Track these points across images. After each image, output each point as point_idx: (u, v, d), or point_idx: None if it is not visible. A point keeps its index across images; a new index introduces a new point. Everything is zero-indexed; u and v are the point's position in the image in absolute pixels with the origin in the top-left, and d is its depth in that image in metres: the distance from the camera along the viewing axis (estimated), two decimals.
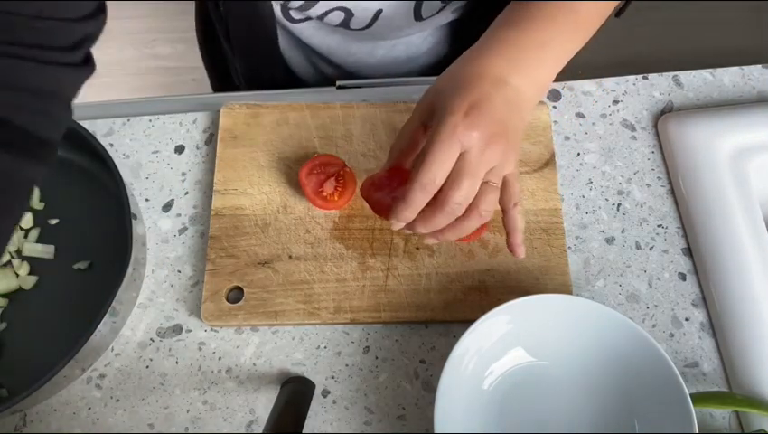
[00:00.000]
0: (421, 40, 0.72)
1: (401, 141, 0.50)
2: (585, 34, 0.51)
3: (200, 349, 0.56)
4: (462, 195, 0.44)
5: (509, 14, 0.50)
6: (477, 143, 0.44)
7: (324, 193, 0.58)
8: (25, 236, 0.59)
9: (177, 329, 0.57)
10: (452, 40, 0.74)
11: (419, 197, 0.45)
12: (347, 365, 0.55)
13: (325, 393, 0.54)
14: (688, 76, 0.67)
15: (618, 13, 0.65)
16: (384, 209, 0.51)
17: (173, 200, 0.62)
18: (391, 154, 0.51)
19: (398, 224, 0.48)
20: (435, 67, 0.77)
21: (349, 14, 0.62)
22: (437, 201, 0.45)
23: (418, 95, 0.50)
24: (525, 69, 0.47)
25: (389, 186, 0.51)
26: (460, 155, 0.44)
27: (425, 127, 0.49)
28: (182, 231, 0.61)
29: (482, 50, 0.48)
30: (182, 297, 0.58)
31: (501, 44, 0.48)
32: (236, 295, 0.56)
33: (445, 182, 0.45)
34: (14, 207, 0.40)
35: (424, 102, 0.49)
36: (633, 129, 0.65)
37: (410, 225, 0.48)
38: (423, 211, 0.46)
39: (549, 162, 0.61)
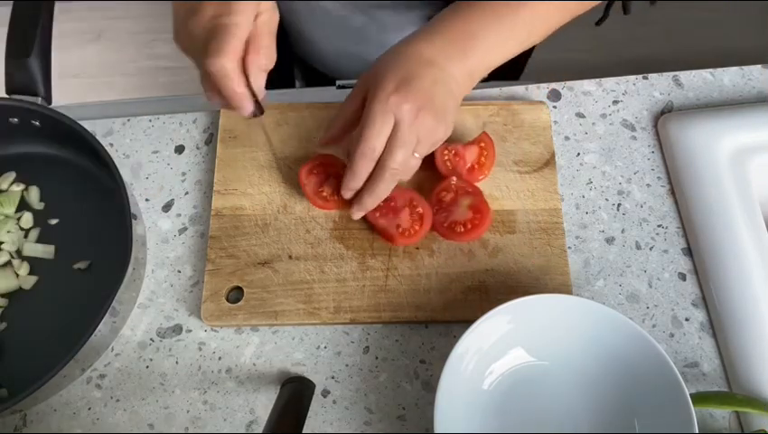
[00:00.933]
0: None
1: (342, 117, 0.55)
2: (526, 35, 0.53)
3: (200, 349, 0.56)
4: (398, 161, 0.50)
5: (450, 7, 0.54)
6: (407, 114, 0.49)
7: (324, 193, 0.58)
8: (25, 236, 0.59)
9: (177, 329, 0.57)
10: None
11: (363, 165, 0.51)
12: (347, 365, 0.55)
13: (325, 393, 0.54)
14: (688, 76, 0.67)
15: (599, 21, 0.66)
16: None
17: (173, 200, 0.62)
18: (332, 128, 0.55)
19: (357, 214, 0.55)
20: None
21: None
22: (377, 168, 0.51)
23: None
24: (451, 55, 0.51)
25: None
26: (395, 124, 0.50)
27: (362, 103, 0.53)
28: (182, 230, 0.61)
29: (415, 36, 0.53)
30: (182, 297, 0.58)
31: (432, 33, 0.52)
32: (236, 295, 0.56)
33: (386, 149, 0.50)
34: None
35: (362, 81, 0.53)
36: (633, 129, 0.65)
37: (358, 198, 0.54)
38: (367, 180, 0.53)
39: (549, 162, 0.61)
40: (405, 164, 0.51)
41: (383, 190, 0.53)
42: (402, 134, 0.50)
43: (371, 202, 0.54)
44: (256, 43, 0.48)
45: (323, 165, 0.59)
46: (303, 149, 0.62)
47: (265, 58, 0.49)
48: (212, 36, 0.46)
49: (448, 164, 0.59)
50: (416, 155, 0.52)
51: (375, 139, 0.50)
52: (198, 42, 0.47)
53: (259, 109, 0.51)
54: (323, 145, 0.56)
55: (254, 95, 0.49)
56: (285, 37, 0.81)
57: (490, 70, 0.54)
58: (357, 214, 0.55)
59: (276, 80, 0.90)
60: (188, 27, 0.47)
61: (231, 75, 0.47)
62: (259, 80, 0.49)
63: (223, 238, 0.58)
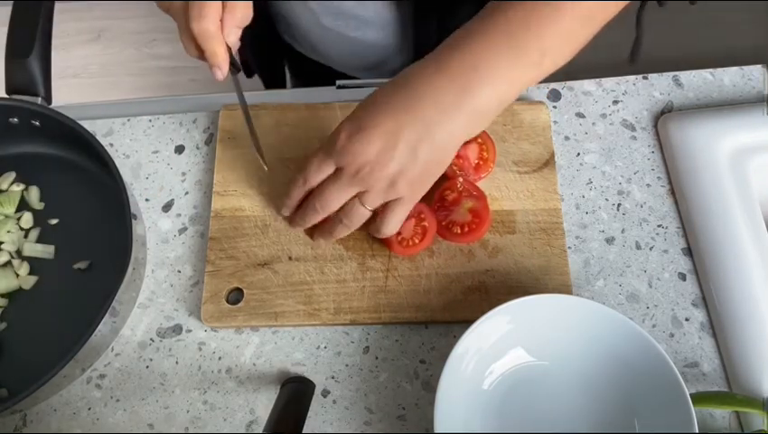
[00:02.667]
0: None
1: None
2: (539, 57, 0.45)
3: (200, 349, 0.56)
4: (320, 201, 0.51)
5: (456, 32, 0.48)
6: (348, 166, 0.48)
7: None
8: (25, 236, 0.59)
9: (177, 329, 0.57)
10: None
11: (292, 192, 0.53)
12: (347, 365, 0.55)
13: (325, 393, 0.54)
14: (688, 76, 0.67)
15: (631, 57, 0.64)
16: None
17: (173, 200, 0.62)
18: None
19: (294, 225, 0.57)
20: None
21: None
22: (308, 199, 0.53)
23: None
24: (447, 101, 0.46)
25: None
26: (336, 169, 0.49)
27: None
28: (182, 231, 0.61)
29: (410, 73, 0.48)
30: (182, 297, 0.58)
31: (427, 67, 0.47)
32: (236, 296, 0.56)
33: (317, 187, 0.51)
34: None
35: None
36: (633, 129, 0.65)
37: (290, 218, 0.57)
38: (298, 207, 0.55)
39: (549, 162, 0.61)
40: (330, 204, 0.51)
41: (310, 220, 0.54)
42: (337, 179, 0.49)
43: (300, 225, 0.56)
44: (230, 3, 0.49)
45: None
46: (303, 150, 0.62)
47: (240, 14, 0.50)
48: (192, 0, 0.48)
49: (454, 167, 0.59)
50: (367, 206, 0.51)
51: (309, 174, 0.51)
52: (176, 4, 0.49)
53: (236, 67, 0.53)
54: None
55: (230, 53, 0.51)
56: (273, 27, 0.81)
57: (506, 103, 0.47)
58: (292, 225, 0.58)
59: (268, 78, 0.89)
60: None
61: (214, 36, 0.49)
62: (233, 37, 0.50)
63: (223, 239, 0.58)
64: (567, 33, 0.46)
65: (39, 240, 0.59)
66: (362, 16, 0.70)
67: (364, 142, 0.47)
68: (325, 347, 0.56)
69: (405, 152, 0.47)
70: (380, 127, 0.47)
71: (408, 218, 0.55)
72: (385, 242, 0.57)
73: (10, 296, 0.57)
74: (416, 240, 0.56)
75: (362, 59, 0.77)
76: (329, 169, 0.50)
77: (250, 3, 0.51)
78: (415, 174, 0.48)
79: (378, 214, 0.53)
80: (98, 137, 0.58)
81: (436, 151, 0.48)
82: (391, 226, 0.53)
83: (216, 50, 0.49)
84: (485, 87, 0.45)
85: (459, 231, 0.56)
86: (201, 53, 0.50)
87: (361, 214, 0.52)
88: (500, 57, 0.45)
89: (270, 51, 0.85)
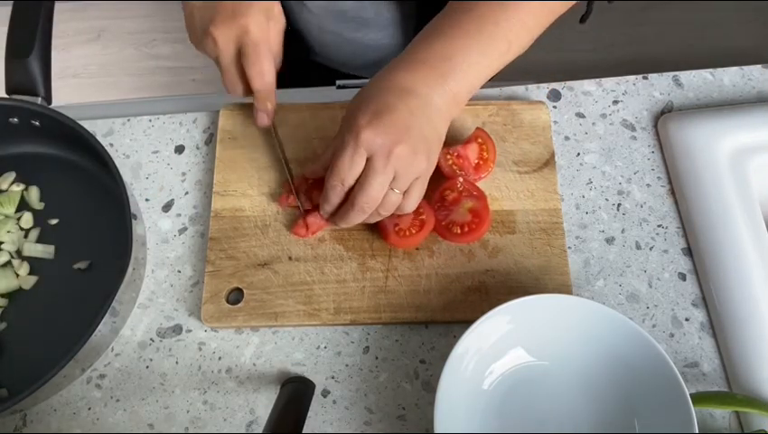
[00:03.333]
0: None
1: (327, 153, 0.55)
2: (506, 48, 0.51)
3: (200, 349, 0.56)
4: (369, 197, 0.50)
5: (428, 27, 0.53)
6: (381, 149, 0.48)
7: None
8: (25, 236, 0.59)
9: (177, 329, 0.57)
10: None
11: (332, 196, 0.52)
12: (347, 365, 0.55)
13: (325, 393, 0.54)
14: (688, 76, 0.67)
15: (582, 19, 0.66)
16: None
17: (173, 200, 0.62)
18: (317, 161, 0.57)
19: (335, 225, 0.56)
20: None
21: None
22: (350, 200, 0.52)
23: None
24: (430, 81, 0.50)
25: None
26: (367, 160, 0.49)
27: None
28: (182, 231, 0.61)
29: (393, 65, 0.51)
30: (182, 297, 0.58)
31: (410, 60, 0.51)
32: (236, 296, 0.56)
33: (356, 183, 0.50)
34: None
35: (345, 114, 0.53)
36: (633, 129, 0.65)
37: (331, 219, 0.55)
38: (339, 207, 0.53)
39: (549, 162, 0.61)
40: (376, 199, 0.50)
41: (355, 220, 0.53)
42: (374, 170, 0.49)
43: (344, 225, 0.55)
44: (273, 49, 0.55)
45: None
46: (303, 150, 0.62)
47: (278, 61, 0.56)
48: (248, 55, 0.53)
49: (454, 167, 0.59)
50: (396, 190, 0.51)
51: (344, 173, 0.50)
52: (226, 53, 0.54)
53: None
54: (309, 175, 0.58)
55: None
56: None
57: (474, 91, 0.52)
58: (334, 225, 0.57)
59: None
60: (212, 38, 0.53)
61: (272, 89, 0.56)
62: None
63: (223, 239, 0.58)
64: (530, 27, 0.52)
65: (39, 240, 0.59)
66: (363, 18, 0.71)
67: (389, 122, 0.48)
68: (325, 347, 0.56)
69: (417, 128, 0.49)
70: (394, 107, 0.48)
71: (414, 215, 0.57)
72: (382, 233, 0.57)
73: (10, 296, 0.57)
74: (414, 231, 0.56)
75: (362, 59, 0.77)
76: (362, 162, 0.49)
77: (281, 44, 0.56)
78: (430, 148, 0.51)
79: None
80: (98, 137, 0.58)
81: (436, 126, 0.51)
82: (413, 202, 0.53)
83: (269, 101, 0.57)
84: (458, 74, 0.50)
85: (459, 231, 0.56)
86: (246, 94, 0.57)
87: (394, 201, 0.52)
88: (471, 48, 0.50)
89: None
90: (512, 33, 0.51)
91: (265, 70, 0.54)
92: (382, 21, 0.71)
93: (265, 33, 0.53)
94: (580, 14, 0.65)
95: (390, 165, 0.49)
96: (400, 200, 0.52)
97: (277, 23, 0.55)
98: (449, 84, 0.50)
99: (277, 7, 0.55)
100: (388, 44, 0.74)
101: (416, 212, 0.57)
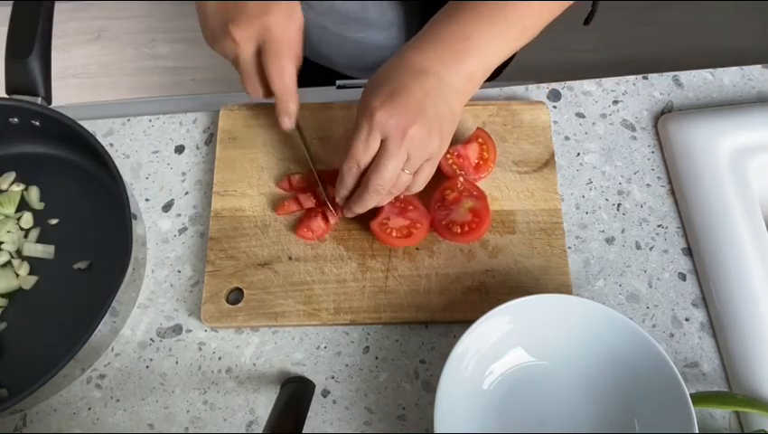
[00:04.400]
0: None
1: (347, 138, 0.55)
2: (520, 32, 0.52)
3: (200, 349, 0.56)
4: (384, 179, 0.50)
5: (441, 11, 0.53)
6: (395, 130, 0.48)
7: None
8: (25, 236, 0.59)
9: (177, 329, 0.57)
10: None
11: (347, 179, 0.52)
12: (347, 365, 0.55)
13: (325, 393, 0.54)
14: (688, 76, 0.67)
15: (586, 20, 0.66)
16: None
17: (173, 200, 0.62)
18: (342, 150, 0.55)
19: (348, 214, 0.56)
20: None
21: None
22: (365, 183, 0.52)
23: None
24: (446, 60, 0.50)
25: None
26: (382, 141, 0.49)
27: None
28: (182, 231, 0.61)
29: (408, 45, 0.52)
30: (182, 297, 0.58)
31: (424, 40, 0.51)
32: (236, 296, 0.56)
33: (372, 165, 0.50)
34: None
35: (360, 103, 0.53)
36: (633, 129, 0.65)
37: (347, 205, 0.55)
38: (355, 191, 0.53)
39: (549, 162, 0.61)
40: (391, 181, 0.50)
41: (370, 202, 0.53)
42: (389, 151, 0.49)
43: (360, 209, 0.55)
44: (295, 50, 0.53)
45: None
46: (302, 150, 0.62)
47: (298, 63, 0.54)
48: (269, 55, 0.52)
49: (454, 167, 0.59)
50: (407, 171, 0.51)
51: (359, 155, 0.50)
52: (245, 53, 0.52)
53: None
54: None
55: None
56: None
57: (490, 71, 0.52)
58: (348, 214, 0.56)
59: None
60: (230, 37, 0.51)
61: (293, 91, 0.54)
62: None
63: (223, 239, 0.58)
64: (543, 13, 0.53)
65: (39, 240, 0.59)
66: (366, 18, 0.70)
67: (402, 103, 0.48)
68: (325, 347, 0.56)
69: (432, 108, 0.49)
70: (408, 88, 0.48)
71: (401, 213, 0.57)
72: (374, 232, 0.57)
73: (10, 296, 0.57)
74: (405, 233, 0.57)
75: (363, 60, 0.77)
76: (376, 144, 0.49)
77: (302, 45, 0.54)
78: (444, 129, 0.51)
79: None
80: (98, 137, 0.58)
81: (451, 106, 0.51)
82: (422, 182, 0.54)
83: (291, 102, 0.55)
84: (475, 54, 0.50)
85: (459, 231, 0.56)
86: (267, 96, 0.56)
87: (405, 181, 0.52)
88: (488, 29, 0.50)
89: None
90: (528, 18, 0.51)
91: (285, 69, 0.52)
92: (385, 22, 0.71)
93: (286, 32, 0.52)
94: (581, 15, 0.65)
95: (404, 146, 0.49)
96: (410, 180, 0.52)
97: (297, 22, 0.54)
98: (465, 63, 0.50)
99: (298, 6, 0.54)
100: (391, 45, 0.74)
101: (406, 212, 0.57)
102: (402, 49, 0.52)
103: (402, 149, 0.49)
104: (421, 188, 0.54)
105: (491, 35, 0.51)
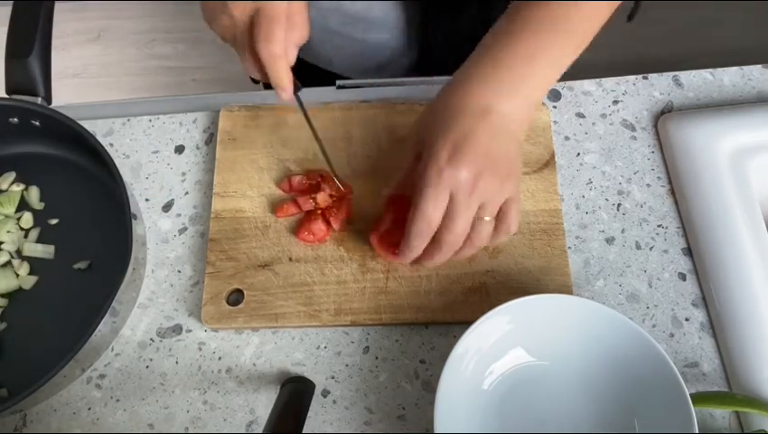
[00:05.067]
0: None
1: (401, 175, 0.53)
2: (580, 41, 0.50)
3: (200, 349, 0.56)
4: (456, 234, 0.48)
5: (494, 30, 0.50)
6: (464, 184, 0.46)
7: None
8: (25, 236, 0.59)
9: (177, 329, 0.57)
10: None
11: (417, 242, 0.49)
12: (347, 365, 0.55)
13: (325, 393, 0.54)
14: (688, 76, 0.67)
15: (629, 16, 0.65)
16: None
17: (173, 200, 0.62)
18: (392, 187, 0.55)
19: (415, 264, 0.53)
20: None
21: None
22: (435, 240, 0.49)
23: (417, 95, 0.51)
24: (512, 88, 0.47)
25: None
26: (451, 195, 0.46)
27: (418, 158, 0.50)
28: (182, 231, 0.61)
29: (465, 77, 0.49)
30: (182, 297, 0.58)
31: (481, 67, 0.48)
32: (236, 297, 0.56)
33: (442, 222, 0.47)
34: None
35: (413, 136, 0.51)
36: (633, 129, 0.65)
37: (416, 262, 0.52)
38: (426, 248, 0.50)
39: (549, 162, 0.61)
40: (464, 234, 0.48)
41: (444, 259, 0.51)
42: (459, 206, 0.46)
43: (432, 265, 0.53)
44: (292, 21, 0.49)
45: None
46: (303, 151, 0.62)
47: (299, 33, 0.50)
48: (259, 22, 0.48)
49: None
50: (487, 218, 0.48)
51: (430, 215, 0.47)
52: (240, 27, 0.49)
53: (296, 86, 0.53)
54: (387, 194, 0.55)
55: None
56: None
57: (548, 90, 0.50)
58: (411, 264, 0.55)
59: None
60: (228, 12, 0.49)
61: (281, 58, 0.49)
62: (292, 56, 0.51)
63: (223, 240, 0.58)
64: (601, 19, 0.50)
65: (39, 240, 0.59)
66: (370, 18, 0.70)
67: (469, 155, 0.46)
68: (325, 347, 0.56)
69: (498, 150, 0.47)
70: (473, 134, 0.46)
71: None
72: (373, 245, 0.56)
73: (10, 296, 0.57)
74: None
75: (366, 61, 0.77)
76: (446, 199, 0.47)
77: (307, 21, 0.51)
78: (514, 167, 0.49)
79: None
80: (98, 137, 0.58)
81: (516, 142, 0.49)
82: (513, 224, 0.50)
83: (282, 72, 0.50)
84: (539, 74, 0.48)
85: None
86: (264, 75, 0.51)
87: (487, 228, 0.50)
88: (551, 45, 0.48)
89: None
90: (582, 27, 0.49)
91: (273, 36, 0.48)
92: (389, 22, 0.71)
93: (283, 5, 0.49)
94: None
95: (475, 198, 0.46)
96: (493, 225, 0.50)
97: (297, 5, 0.50)
98: (530, 87, 0.48)
99: None
100: (395, 46, 0.74)
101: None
102: (457, 80, 0.49)
103: (473, 202, 0.47)
104: (514, 230, 0.51)
105: (554, 50, 0.48)
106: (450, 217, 0.47)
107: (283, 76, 0.51)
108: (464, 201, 0.46)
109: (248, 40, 0.50)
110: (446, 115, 0.48)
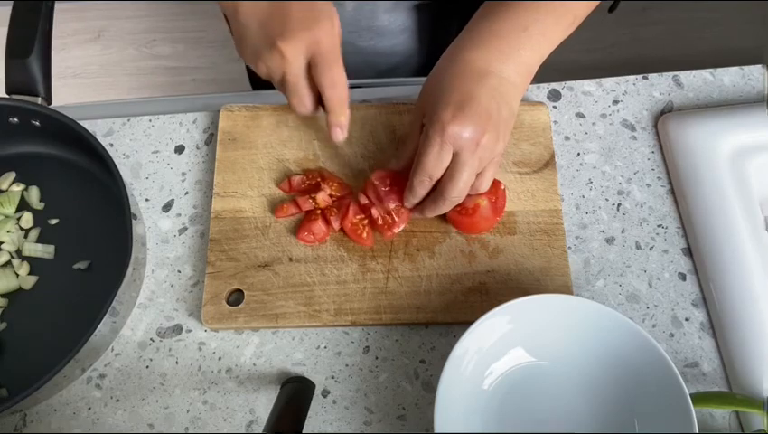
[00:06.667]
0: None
1: (409, 144, 0.55)
2: (572, 18, 0.52)
3: (200, 349, 0.56)
4: (459, 190, 0.51)
5: (487, 5, 0.52)
6: (467, 143, 0.48)
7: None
8: (25, 236, 0.59)
9: (177, 329, 0.57)
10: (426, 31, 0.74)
11: (419, 191, 0.53)
12: (347, 365, 0.55)
13: (325, 393, 0.54)
14: (688, 76, 0.67)
15: (610, 9, 0.65)
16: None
17: (173, 200, 0.62)
18: (400, 155, 0.56)
19: (420, 215, 0.56)
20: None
21: None
22: (438, 192, 0.52)
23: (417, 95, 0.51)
24: (508, 55, 0.50)
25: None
26: (455, 153, 0.49)
27: (422, 127, 0.52)
28: (182, 230, 0.61)
29: (463, 43, 0.51)
30: (182, 297, 0.58)
31: (481, 35, 0.51)
32: (236, 297, 0.56)
33: (444, 175, 0.50)
34: None
35: (417, 104, 0.53)
36: (633, 129, 0.65)
37: (418, 208, 0.56)
38: (427, 197, 0.54)
39: (549, 162, 0.61)
40: (467, 189, 0.51)
41: (445, 210, 0.54)
42: (463, 163, 0.49)
43: (432, 214, 0.55)
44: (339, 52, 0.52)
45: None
46: (303, 151, 0.62)
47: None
48: (320, 66, 0.50)
49: None
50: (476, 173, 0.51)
51: (432, 169, 0.50)
52: (294, 69, 0.50)
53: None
54: (394, 168, 0.57)
55: None
56: None
57: (541, 61, 0.52)
58: (418, 215, 0.57)
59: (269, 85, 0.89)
60: (279, 53, 0.49)
61: (345, 103, 0.53)
62: None
63: (223, 240, 0.58)
64: (591, 3, 0.53)
65: (39, 240, 0.58)
66: (376, 26, 0.70)
67: (472, 115, 0.48)
68: (325, 347, 0.56)
69: (497, 111, 0.49)
70: (475, 95, 0.48)
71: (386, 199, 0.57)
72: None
73: (10, 296, 0.57)
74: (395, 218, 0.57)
75: (373, 68, 0.77)
76: (448, 157, 0.50)
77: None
78: (507, 129, 0.51)
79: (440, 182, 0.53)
80: (98, 137, 0.58)
81: (512, 105, 0.51)
82: (487, 184, 0.54)
83: (343, 115, 0.54)
84: (533, 44, 0.51)
85: (464, 212, 0.56)
86: (315, 110, 0.54)
87: (472, 180, 0.52)
88: (544, 19, 0.51)
89: None
90: (576, 7, 0.52)
91: (338, 79, 0.51)
92: (395, 28, 0.71)
93: (334, 41, 0.51)
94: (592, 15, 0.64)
95: (477, 155, 0.49)
96: (473, 180, 0.52)
97: (338, 28, 0.52)
98: (523, 55, 0.50)
99: (336, 11, 0.52)
100: (402, 51, 0.74)
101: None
102: (457, 48, 0.51)
103: (475, 159, 0.49)
104: (487, 188, 0.54)
105: (547, 25, 0.51)
106: (455, 172, 0.50)
107: (343, 119, 0.54)
108: (468, 158, 0.49)
109: (307, 81, 0.52)
110: (447, 80, 0.50)
